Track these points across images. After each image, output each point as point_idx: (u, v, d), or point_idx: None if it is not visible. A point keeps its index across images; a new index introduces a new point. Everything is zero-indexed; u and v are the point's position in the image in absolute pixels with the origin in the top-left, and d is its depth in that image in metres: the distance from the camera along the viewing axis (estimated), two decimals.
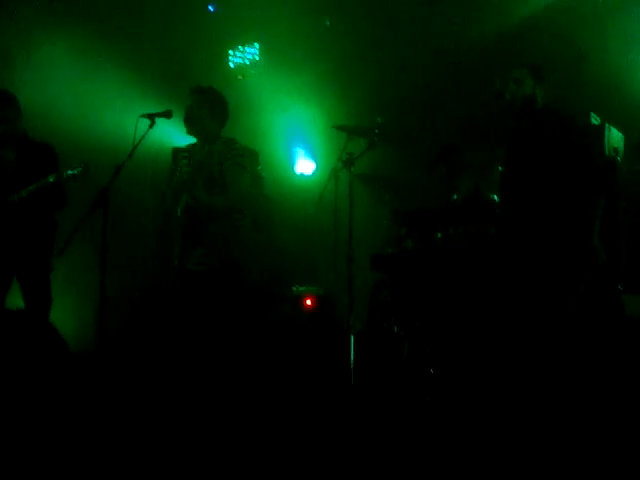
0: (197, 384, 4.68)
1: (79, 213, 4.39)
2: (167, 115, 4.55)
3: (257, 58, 7.75)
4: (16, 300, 5.03)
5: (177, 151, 7.00)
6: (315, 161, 7.50)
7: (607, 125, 4.94)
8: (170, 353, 5.59)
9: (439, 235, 5.09)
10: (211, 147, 4.86)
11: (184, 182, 4.82)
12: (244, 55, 7.83)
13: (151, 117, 4.47)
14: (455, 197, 5.34)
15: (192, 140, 6.62)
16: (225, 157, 4.78)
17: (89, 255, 5.15)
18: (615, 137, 5.11)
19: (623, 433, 3.85)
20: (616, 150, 5.02)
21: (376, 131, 5.19)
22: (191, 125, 4.90)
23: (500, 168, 4.60)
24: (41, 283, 4.94)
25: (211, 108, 4.87)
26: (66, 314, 6.76)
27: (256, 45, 7.76)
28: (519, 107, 4.19)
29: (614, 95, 5.60)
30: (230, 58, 7.89)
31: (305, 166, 7.52)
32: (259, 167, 6.11)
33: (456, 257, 4.99)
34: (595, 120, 5.11)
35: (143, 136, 4.41)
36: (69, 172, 4.73)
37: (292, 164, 7.57)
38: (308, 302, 6.11)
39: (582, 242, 3.94)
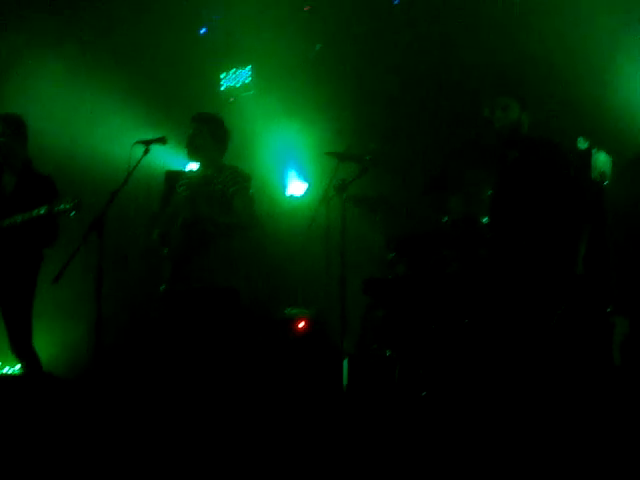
0: (187, 408, 4.68)
1: (72, 238, 4.41)
2: (162, 141, 4.58)
3: (248, 81, 7.79)
4: None
5: (170, 174, 7.02)
6: (307, 182, 7.52)
7: (594, 149, 4.99)
8: (160, 377, 5.60)
9: (430, 260, 5.13)
10: (213, 173, 4.84)
11: (184, 198, 4.79)
12: (236, 78, 7.88)
13: (146, 144, 4.49)
14: (445, 219, 5.39)
15: (185, 163, 6.62)
16: (231, 183, 4.75)
17: (78, 279, 5.17)
18: (602, 160, 5.15)
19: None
20: (603, 174, 5.07)
21: (367, 157, 5.20)
22: (194, 153, 4.89)
23: (489, 192, 4.66)
24: (22, 310, 4.85)
25: (213, 136, 4.86)
26: (56, 337, 6.76)
27: (248, 68, 7.79)
28: (507, 133, 4.25)
29: (605, 115, 5.66)
30: (222, 81, 7.93)
31: (296, 187, 7.54)
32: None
33: (447, 281, 5.03)
34: (582, 144, 5.16)
35: (137, 163, 4.43)
36: (61, 206, 4.62)
37: (283, 186, 7.59)
38: (300, 324, 6.11)
39: (566, 267, 4.00)
